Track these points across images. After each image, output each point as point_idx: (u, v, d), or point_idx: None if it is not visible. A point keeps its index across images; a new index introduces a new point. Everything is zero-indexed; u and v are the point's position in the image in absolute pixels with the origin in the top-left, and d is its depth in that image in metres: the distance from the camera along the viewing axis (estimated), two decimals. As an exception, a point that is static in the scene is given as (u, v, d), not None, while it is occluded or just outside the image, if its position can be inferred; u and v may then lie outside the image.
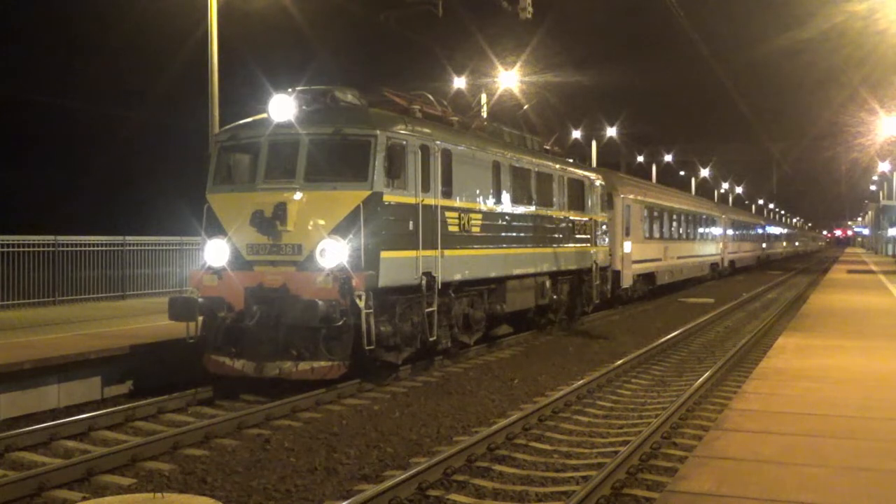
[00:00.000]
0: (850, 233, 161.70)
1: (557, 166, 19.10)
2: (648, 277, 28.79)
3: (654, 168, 63.18)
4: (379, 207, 11.88)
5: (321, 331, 11.32)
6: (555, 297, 18.74)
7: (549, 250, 18.10)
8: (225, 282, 11.98)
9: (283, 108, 12.24)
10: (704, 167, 77.00)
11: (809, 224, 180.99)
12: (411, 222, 12.58)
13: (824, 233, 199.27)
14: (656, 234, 30.28)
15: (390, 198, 12.11)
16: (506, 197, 16.03)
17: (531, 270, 17.18)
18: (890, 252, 69.66)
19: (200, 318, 12.00)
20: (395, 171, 12.08)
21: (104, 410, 10.69)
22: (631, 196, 26.70)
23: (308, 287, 11.41)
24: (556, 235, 18.61)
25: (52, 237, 19.07)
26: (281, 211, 11.66)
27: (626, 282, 25.49)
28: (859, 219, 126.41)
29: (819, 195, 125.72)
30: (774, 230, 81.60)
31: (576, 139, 49.02)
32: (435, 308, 13.11)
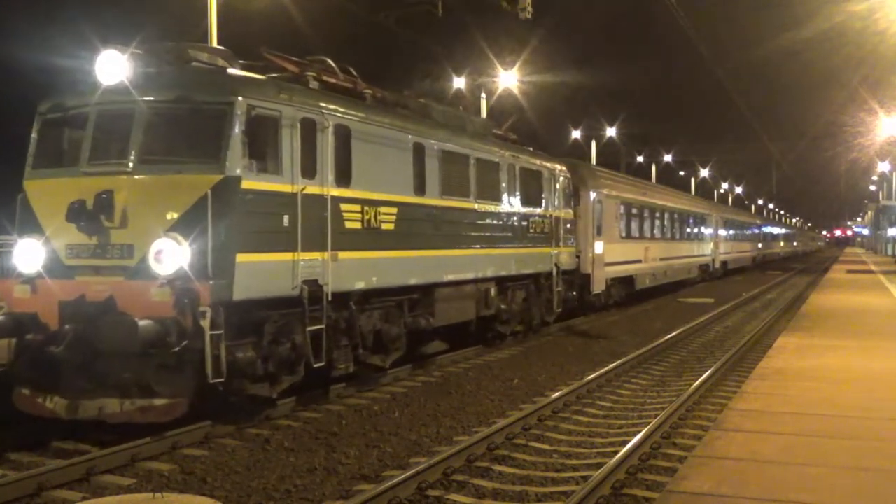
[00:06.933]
0: (849, 233, 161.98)
1: (507, 153, 16.56)
2: (626, 281, 25.93)
3: (653, 168, 63.30)
4: (235, 197, 9.33)
5: (153, 359, 8.83)
6: (503, 306, 16.32)
7: (493, 252, 15.57)
8: (39, 294, 9.40)
9: (114, 67, 9.49)
10: (704, 167, 77.13)
11: (809, 224, 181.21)
12: (286, 217, 10.00)
13: (824, 233, 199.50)
14: (635, 234, 27.48)
15: (252, 184, 9.53)
16: (432, 187, 13.44)
17: (469, 276, 14.71)
18: (889, 252, 69.68)
19: (12, 341, 9.45)
20: (260, 149, 9.64)
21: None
22: (604, 191, 23.84)
23: (139, 301, 8.89)
24: (504, 234, 16.15)
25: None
26: (106, 201, 9.20)
27: (598, 286, 22.57)
28: (859, 219, 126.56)
29: (819, 195, 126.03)
30: (771, 230, 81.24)
31: (575, 139, 49.13)
32: (323, 325, 10.50)
